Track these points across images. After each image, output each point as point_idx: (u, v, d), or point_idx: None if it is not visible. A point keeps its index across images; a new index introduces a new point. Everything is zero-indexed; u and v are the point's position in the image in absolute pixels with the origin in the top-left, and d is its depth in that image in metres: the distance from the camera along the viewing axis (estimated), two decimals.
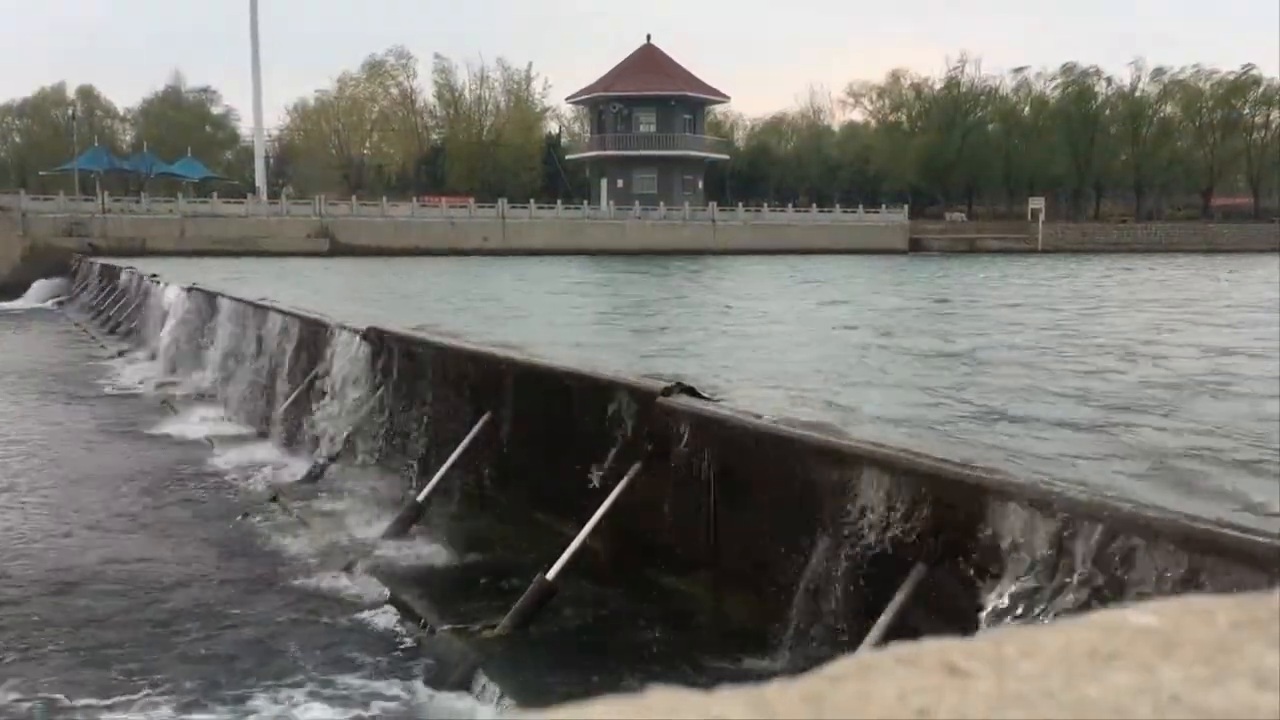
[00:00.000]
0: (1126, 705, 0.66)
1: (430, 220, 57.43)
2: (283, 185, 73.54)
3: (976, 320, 17.64)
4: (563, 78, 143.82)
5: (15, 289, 39.40)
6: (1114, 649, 0.74)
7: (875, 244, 65.18)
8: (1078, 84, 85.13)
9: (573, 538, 6.75)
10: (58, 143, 73.85)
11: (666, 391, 6.52)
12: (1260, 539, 3.50)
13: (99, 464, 11.54)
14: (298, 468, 10.86)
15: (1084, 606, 3.63)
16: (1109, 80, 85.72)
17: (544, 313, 19.30)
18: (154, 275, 24.08)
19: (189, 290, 19.42)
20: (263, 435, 12.58)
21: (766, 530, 5.91)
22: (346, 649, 6.42)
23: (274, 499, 9.91)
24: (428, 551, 8.12)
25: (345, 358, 11.01)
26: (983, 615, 4.13)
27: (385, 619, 6.90)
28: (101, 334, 25.75)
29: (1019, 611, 4.00)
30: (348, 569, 7.87)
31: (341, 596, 7.35)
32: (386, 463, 10.39)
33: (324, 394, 11.58)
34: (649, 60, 75.09)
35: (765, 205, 69.19)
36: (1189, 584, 3.53)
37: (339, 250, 52.08)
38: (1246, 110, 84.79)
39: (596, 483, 6.86)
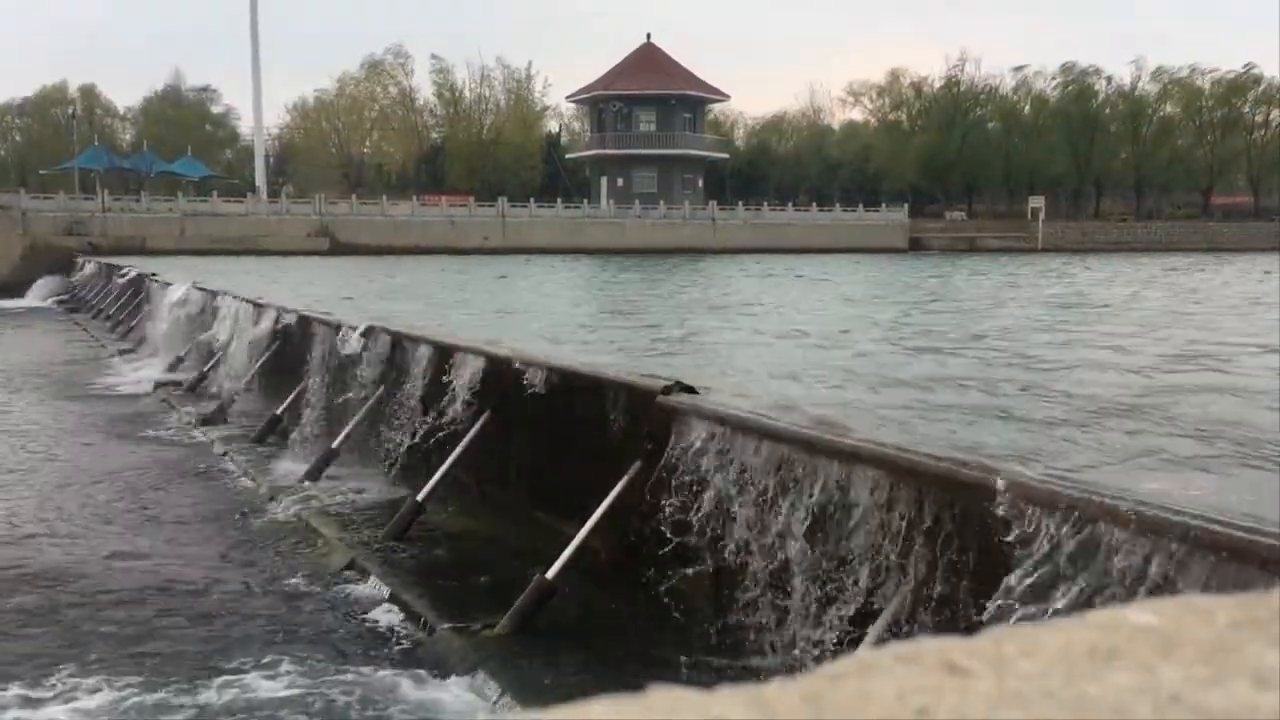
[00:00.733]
0: (1126, 704, 0.66)
1: (430, 219, 57.45)
2: (283, 184, 73.56)
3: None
4: (563, 77, 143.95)
5: (15, 288, 39.40)
6: (1114, 648, 0.74)
7: (875, 243, 65.19)
8: (1078, 83, 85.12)
9: (572, 537, 6.75)
10: (58, 142, 73.90)
11: (666, 390, 6.52)
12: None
13: (99, 463, 11.54)
14: (299, 467, 10.85)
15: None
16: (1109, 79, 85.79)
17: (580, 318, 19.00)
18: (154, 274, 24.10)
19: (189, 289, 19.43)
20: (264, 434, 12.57)
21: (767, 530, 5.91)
22: (346, 648, 6.42)
23: (273, 498, 9.91)
24: (427, 551, 8.13)
25: (344, 354, 11.02)
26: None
27: (385, 618, 6.90)
28: (102, 333, 25.76)
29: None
30: (347, 568, 7.87)
31: (341, 595, 7.35)
32: (383, 461, 10.39)
33: (321, 393, 11.59)
34: (649, 59, 75.11)
35: (765, 204, 69.21)
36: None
37: (339, 249, 52.09)
38: (1246, 109, 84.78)
39: (596, 482, 6.86)
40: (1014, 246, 67.91)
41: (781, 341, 14.38)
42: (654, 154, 71.84)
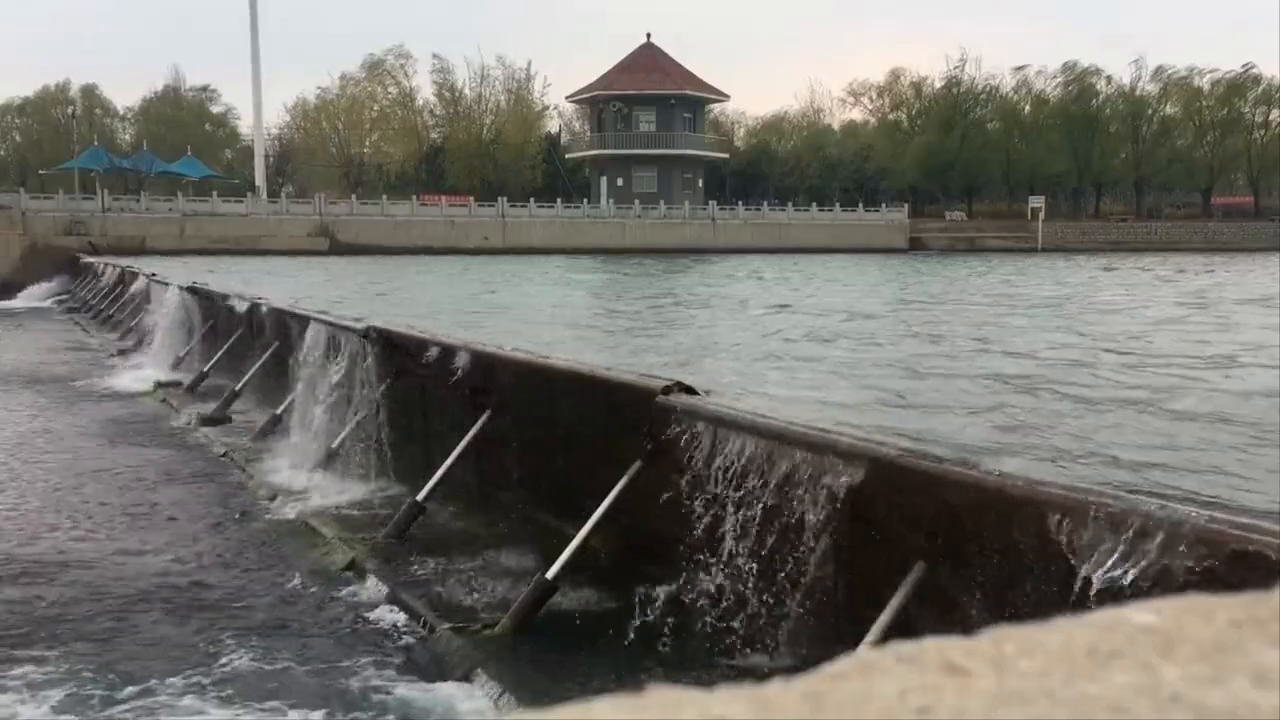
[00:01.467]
0: (1126, 704, 0.66)
1: (430, 219, 57.47)
2: (282, 184, 73.63)
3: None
4: (563, 76, 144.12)
5: (15, 288, 39.40)
6: (1114, 647, 0.74)
7: (875, 243, 65.23)
8: (1078, 83, 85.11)
9: (572, 537, 6.75)
10: (57, 142, 73.94)
11: (666, 390, 6.53)
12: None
13: (97, 462, 11.54)
14: (300, 465, 10.85)
15: None
16: (1109, 79, 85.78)
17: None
18: (153, 274, 24.10)
19: (188, 289, 19.44)
20: (264, 434, 12.58)
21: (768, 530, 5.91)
22: (345, 647, 6.42)
23: (273, 497, 9.92)
24: (427, 551, 8.13)
25: (348, 358, 11.02)
26: None
27: (385, 618, 6.90)
28: (101, 333, 25.76)
29: None
30: (347, 568, 7.88)
31: (341, 595, 7.35)
32: (387, 460, 10.40)
33: (322, 392, 11.59)
34: (649, 59, 75.08)
35: (765, 204, 69.23)
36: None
37: (339, 249, 52.11)
38: (1246, 109, 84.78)
39: (596, 482, 6.87)
40: (1014, 246, 67.94)
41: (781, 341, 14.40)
42: (654, 154, 71.83)
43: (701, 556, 6.04)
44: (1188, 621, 0.78)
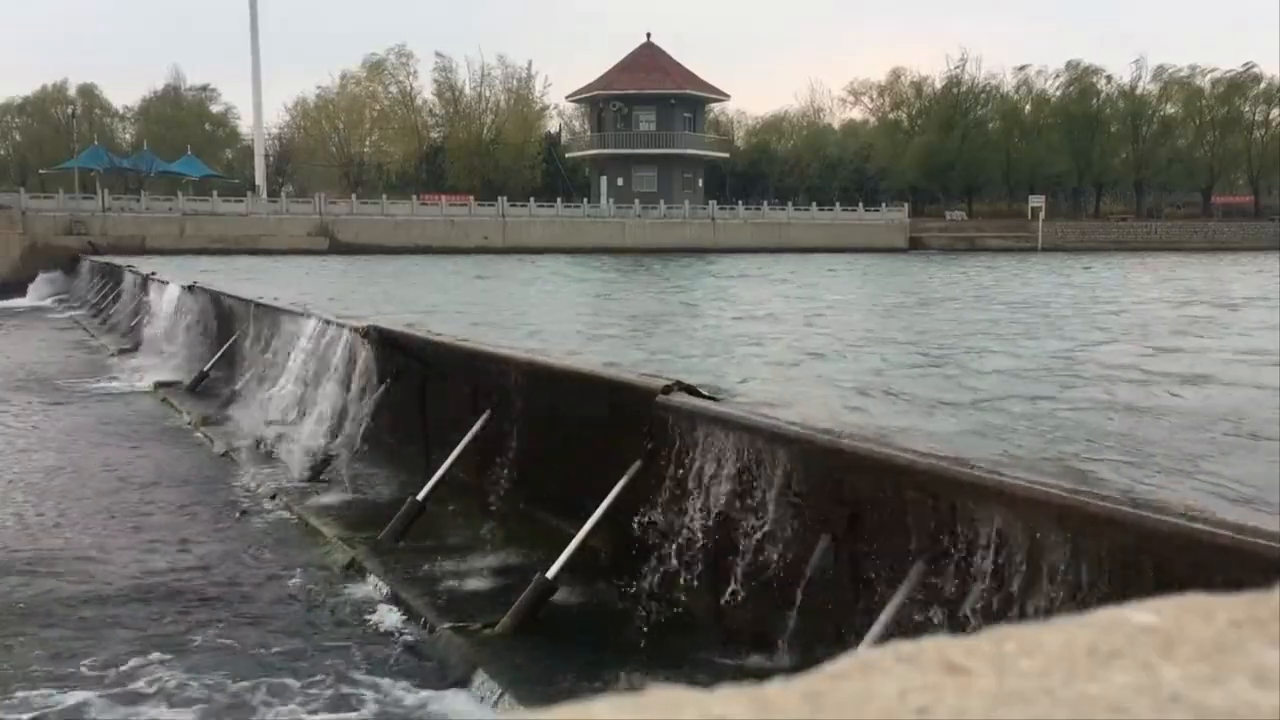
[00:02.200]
0: (1126, 703, 0.66)
1: (430, 219, 57.46)
2: (282, 183, 73.62)
3: None
4: (563, 76, 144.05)
5: (15, 287, 39.39)
6: (1114, 647, 0.74)
7: (875, 242, 65.22)
8: (1079, 82, 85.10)
9: (572, 536, 6.75)
10: (57, 141, 73.91)
11: (666, 390, 6.53)
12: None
13: (97, 462, 11.54)
14: (300, 465, 10.86)
15: None
16: (1109, 78, 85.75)
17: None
18: (154, 273, 24.10)
19: (188, 288, 19.44)
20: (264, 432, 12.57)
21: (769, 530, 5.91)
22: (346, 647, 6.42)
23: (273, 496, 9.92)
24: (428, 550, 8.13)
25: (344, 357, 11.02)
26: None
27: (385, 617, 6.90)
28: (101, 332, 25.76)
29: None
30: (348, 567, 7.88)
31: (341, 595, 7.35)
32: (386, 459, 10.40)
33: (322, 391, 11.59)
34: (649, 58, 75.05)
35: (765, 204, 69.23)
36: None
37: (339, 249, 52.10)
38: (1246, 108, 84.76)
39: (596, 481, 6.87)
40: (1014, 246, 67.93)
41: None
42: (654, 153, 71.79)
43: (701, 555, 6.05)
44: (1188, 621, 0.78)
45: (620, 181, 70.98)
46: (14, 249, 43.68)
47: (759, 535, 5.86)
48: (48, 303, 36.71)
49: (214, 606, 7.10)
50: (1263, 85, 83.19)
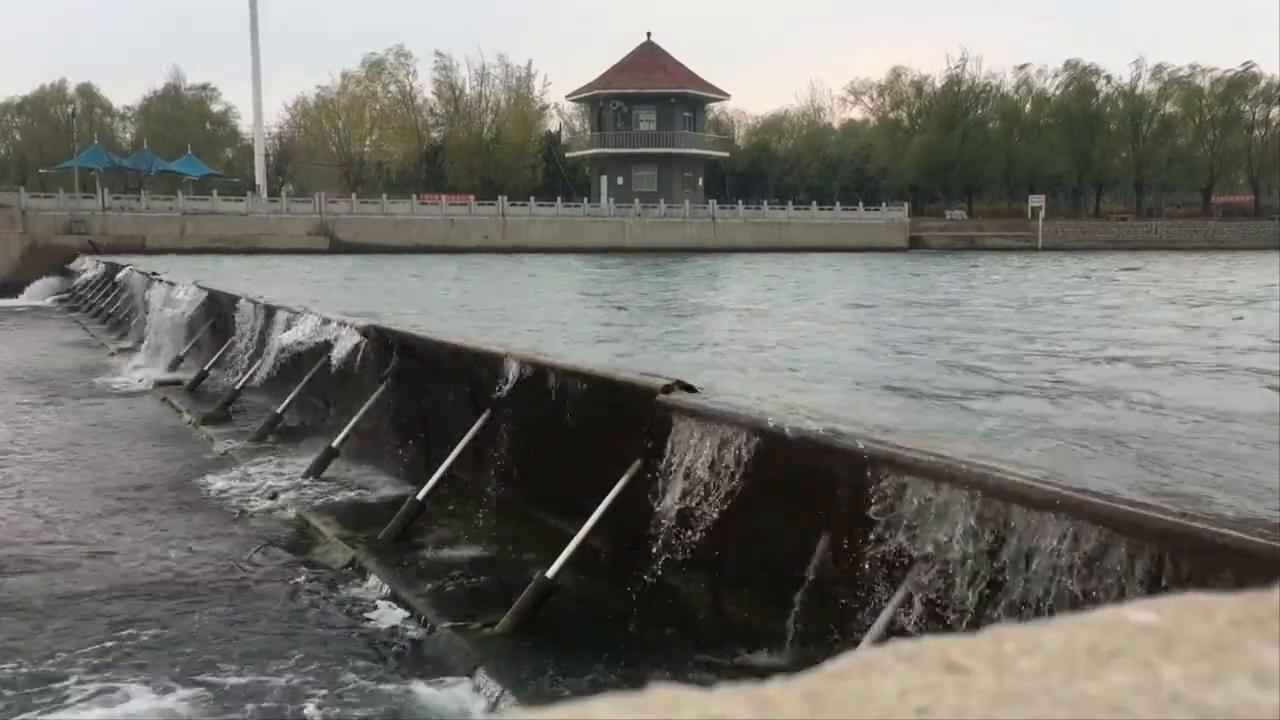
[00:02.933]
0: (1126, 703, 0.66)
1: (430, 218, 57.48)
2: (283, 183, 73.65)
3: None
4: (563, 75, 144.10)
5: (15, 287, 39.40)
6: (1114, 646, 0.74)
7: (875, 241, 65.24)
8: (1078, 82, 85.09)
9: (573, 536, 6.75)
10: (57, 141, 73.92)
11: (667, 389, 6.53)
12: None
13: (96, 462, 11.54)
14: (301, 461, 10.86)
15: None
16: (1109, 78, 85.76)
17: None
18: (154, 273, 24.10)
19: (188, 288, 19.44)
20: (266, 431, 12.58)
21: (768, 529, 5.91)
22: (346, 646, 6.43)
23: (273, 496, 9.92)
24: (428, 550, 8.13)
25: (346, 356, 11.04)
26: None
27: (385, 617, 6.90)
28: (101, 332, 25.76)
29: None
30: (348, 566, 7.88)
31: (341, 594, 7.35)
32: (386, 459, 10.40)
33: (325, 391, 11.61)
34: (649, 58, 75.06)
35: (765, 203, 69.23)
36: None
37: (339, 248, 52.11)
38: (1246, 108, 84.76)
39: (596, 480, 6.87)
40: (1014, 245, 67.95)
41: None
42: (654, 153, 71.81)
43: (701, 554, 6.05)
44: (1187, 621, 0.78)
45: (620, 181, 70.99)
46: (14, 248, 43.69)
47: (759, 534, 5.87)
48: (48, 302, 36.71)
49: (213, 605, 7.10)
50: (1262, 85, 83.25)
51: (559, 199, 64.46)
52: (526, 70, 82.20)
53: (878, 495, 4.95)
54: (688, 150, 73.37)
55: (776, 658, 5.53)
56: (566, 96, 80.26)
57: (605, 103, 73.62)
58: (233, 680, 5.89)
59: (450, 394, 9.56)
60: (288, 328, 13.08)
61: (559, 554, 6.64)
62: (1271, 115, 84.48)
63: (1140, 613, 0.80)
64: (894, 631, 4.67)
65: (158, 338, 20.18)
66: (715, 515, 5.93)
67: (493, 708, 5.55)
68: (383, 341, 10.55)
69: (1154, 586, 3.66)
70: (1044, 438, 7.26)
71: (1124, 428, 7.69)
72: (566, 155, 78.81)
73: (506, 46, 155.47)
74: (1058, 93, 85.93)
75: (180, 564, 8.00)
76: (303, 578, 7.67)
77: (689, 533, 6.04)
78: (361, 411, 10.53)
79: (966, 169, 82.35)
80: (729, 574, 6.21)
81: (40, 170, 68.73)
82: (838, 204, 71.14)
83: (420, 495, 8.52)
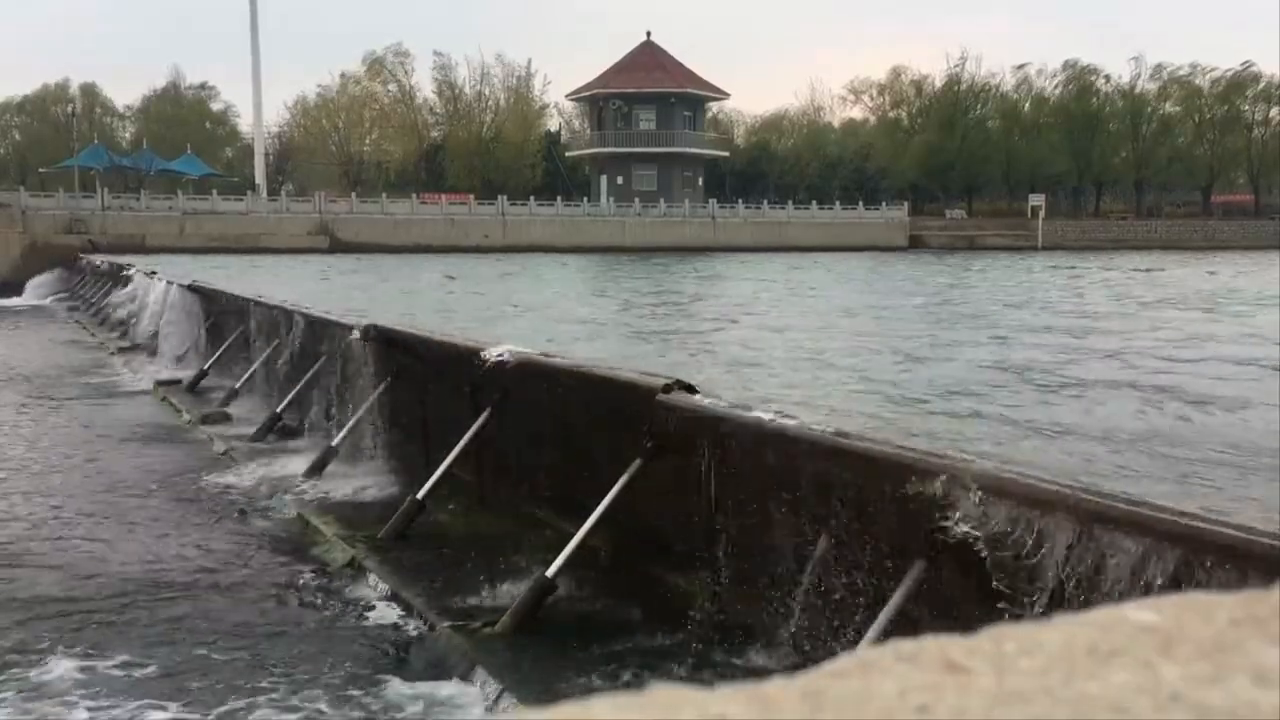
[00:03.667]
0: (1126, 702, 0.66)
1: (430, 217, 57.48)
2: (282, 182, 73.63)
3: None
4: (562, 75, 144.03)
5: (15, 286, 39.39)
6: (1114, 646, 0.74)
7: (875, 241, 65.25)
8: (1078, 81, 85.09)
9: (572, 535, 6.75)
10: (57, 140, 73.89)
11: (667, 389, 6.52)
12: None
13: (96, 461, 11.54)
14: (301, 461, 10.86)
15: None
16: (1108, 78, 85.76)
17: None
18: (153, 272, 24.09)
19: (188, 287, 19.44)
20: (265, 431, 12.58)
21: (768, 529, 5.91)
22: (345, 645, 6.42)
23: (273, 495, 9.91)
24: (428, 549, 8.13)
25: (346, 356, 11.03)
26: None
27: (385, 616, 6.90)
28: (101, 331, 25.75)
29: None
30: (347, 565, 7.88)
31: (341, 593, 7.35)
32: (386, 458, 10.40)
33: (326, 388, 11.61)
34: (649, 57, 75.05)
35: (765, 202, 69.23)
36: None
37: (339, 247, 52.11)
38: (1246, 107, 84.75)
39: (596, 480, 6.86)
40: (1014, 244, 67.95)
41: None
42: (654, 152, 71.79)
43: (701, 554, 6.05)
44: (1187, 620, 0.78)
45: (620, 180, 70.97)
46: (14, 248, 43.68)
47: (759, 534, 5.86)
48: (47, 302, 36.70)
49: (212, 604, 7.09)
50: (1262, 84, 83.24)
51: (559, 198, 64.45)
52: (526, 70, 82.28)
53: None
54: (687, 150, 73.36)
55: (782, 656, 5.54)
56: (566, 96, 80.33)
57: (605, 102, 73.61)
58: (232, 679, 5.89)
59: (450, 393, 9.55)
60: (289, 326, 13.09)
61: (559, 553, 6.64)
62: (1271, 115, 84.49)
63: (1140, 612, 0.80)
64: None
65: (156, 337, 20.18)
66: (716, 514, 5.93)
67: (492, 707, 5.55)
68: (383, 341, 10.54)
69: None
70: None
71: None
72: (566, 155, 78.81)
73: (506, 46, 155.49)
74: (1057, 92, 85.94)
75: (179, 563, 8.00)
76: (302, 577, 7.67)
77: (690, 530, 6.04)
78: (361, 411, 10.53)
79: (966, 168, 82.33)
80: (729, 573, 6.21)
81: (40, 169, 68.70)
82: (837, 203, 71.15)
83: (420, 494, 8.51)
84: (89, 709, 5.58)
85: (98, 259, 36.08)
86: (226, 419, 13.76)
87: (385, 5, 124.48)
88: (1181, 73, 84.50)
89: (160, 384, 16.77)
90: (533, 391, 8.10)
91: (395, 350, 10.38)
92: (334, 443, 10.55)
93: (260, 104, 67.57)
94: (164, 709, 5.57)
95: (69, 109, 76.22)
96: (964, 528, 4.43)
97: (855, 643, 4.87)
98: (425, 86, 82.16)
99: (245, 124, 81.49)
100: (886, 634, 4.63)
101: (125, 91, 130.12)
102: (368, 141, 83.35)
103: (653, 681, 0.70)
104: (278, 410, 12.61)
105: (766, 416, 5.90)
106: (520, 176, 76.51)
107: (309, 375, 12.16)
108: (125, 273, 27.92)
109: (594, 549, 6.89)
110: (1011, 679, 0.69)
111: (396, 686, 5.86)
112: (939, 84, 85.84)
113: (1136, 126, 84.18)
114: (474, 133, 79.61)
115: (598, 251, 54.27)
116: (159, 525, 9.05)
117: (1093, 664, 0.71)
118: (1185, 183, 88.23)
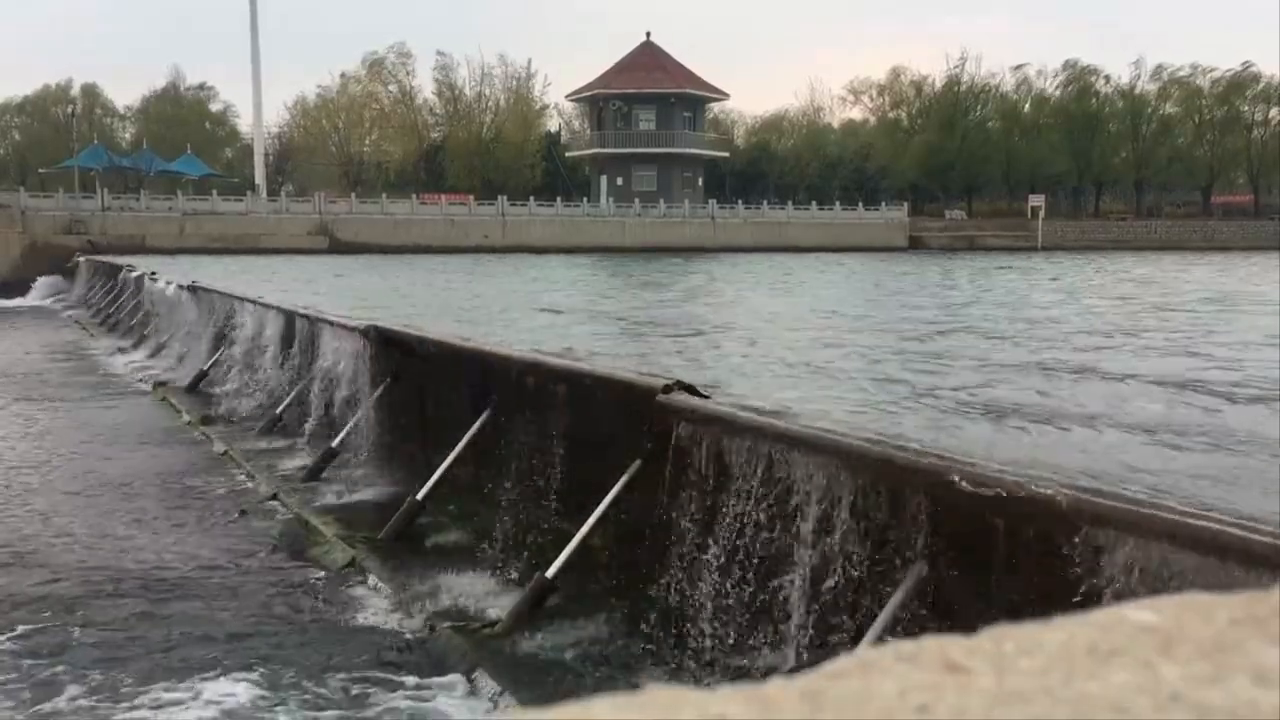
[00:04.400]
0: (1126, 703, 0.66)
1: (430, 218, 57.45)
2: (282, 183, 73.64)
3: None
4: (562, 75, 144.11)
5: (15, 287, 39.38)
6: (1114, 646, 0.74)
7: (875, 241, 65.24)
8: (1078, 82, 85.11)
9: (572, 535, 6.75)
10: (57, 140, 73.85)
11: (667, 389, 6.52)
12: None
13: (96, 461, 11.54)
14: (300, 462, 10.87)
15: None
16: (1108, 78, 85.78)
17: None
18: (153, 272, 24.10)
19: (188, 288, 19.44)
20: (265, 431, 12.58)
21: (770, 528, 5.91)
22: (345, 645, 6.42)
23: (273, 496, 9.92)
24: (427, 549, 8.13)
25: (339, 354, 11.04)
26: None
27: (385, 616, 6.90)
28: (101, 331, 25.76)
29: None
30: (347, 566, 7.88)
31: (341, 594, 7.35)
32: (386, 458, 10.40)
33: (322, 389, 11.61)
34: (649, 57, 75.02)
35: (765, 203, 69.23)
36: None
37: (338, 248, 52.08)
38: (1246, 108, 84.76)
39: (596, 480, 6.86)
40: (1014, 245, 67.95)
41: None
42: (654, 152, 71.76)
43: (702, 554, 6.04)
44: (1187, 620, 0.78)
45: (620, 181, 70.95)
46: (14, 248, 43.68)
47: (760, 533, 5.86)
48: (47, 302, 36.71)
49: (212, 605, 7.10)
50: (1261, 85, 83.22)
51: (559, 199, 64.44)
52: (526, 70, 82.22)
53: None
54: (687, 150, 73.33)
55: (783, 656, 5.54)
56: (566, 96, 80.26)
57: (605, 103, 73.58)
58: (232, 679, 5.89)
59: (450, 394, 9.55)
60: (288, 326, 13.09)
61: (559, 554, 6.64)
62: (1271, 115, 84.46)
63: (1140, 612, 0.80)
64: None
65: (156, 338, 20.19)
66: (715, 513, 5.93)
67: (492, 707, 5.55)
68: (382, 341, 10.54)
69: None
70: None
71: None
72: (566, 155, 78.78)
73: (506, 46, 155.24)
74: (1057, 93, 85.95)
75: (179, 563, 8.00)
76: (302, 577, 7.67)
77: (689, 530, 6.04)
78: (361, 411, 10.53)
79: (966, 169, 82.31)
80: (729, 573, 6.20)
81: (40, 170, 68.66)
82: (837, 204, 71.13)
83: (420, 495, 8.52)
84: (87, 707, 5.58)
85: (98, 259, 36.10)
86: (225, 419, 13.76)
87: (385, 5, 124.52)
88: (1181, 73, 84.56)
89: (160, 384, 16.77)
90: (532, 391, 8.10)
91: (395, 351, 10.38)
92: (334, 443, 10.55)
93: (260, 104, 67.61)
94: (161, 708, 5.57)
95: (69, 109, 76.18)
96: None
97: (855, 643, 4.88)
98: (425, 87, 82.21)
99: (245, 124, 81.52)
100: (886, 635, 4.63)
101: (125, 92, 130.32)
102: (367, 142, 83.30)
103: (652, 681, 0.70)
104: (278, 411, 12.62)
105: (767, 417, 5.91)
106: (520, 177, 76.47)
107: (309, 375, 12.15)
108: (125, 273, 27.91)
109: (594, 549, 6.89)
110: (1011, 679, 0.69)
111: (396, 686, 5.86)
112: (939, 84, 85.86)
113: (1136, 127, 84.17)
114: (474, 133, 79.57)
115: (597, 252, 54.27)
116: (159, 525, 9.05)
117: (1093, 664, 0.71)
118: (1185, 183, 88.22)
